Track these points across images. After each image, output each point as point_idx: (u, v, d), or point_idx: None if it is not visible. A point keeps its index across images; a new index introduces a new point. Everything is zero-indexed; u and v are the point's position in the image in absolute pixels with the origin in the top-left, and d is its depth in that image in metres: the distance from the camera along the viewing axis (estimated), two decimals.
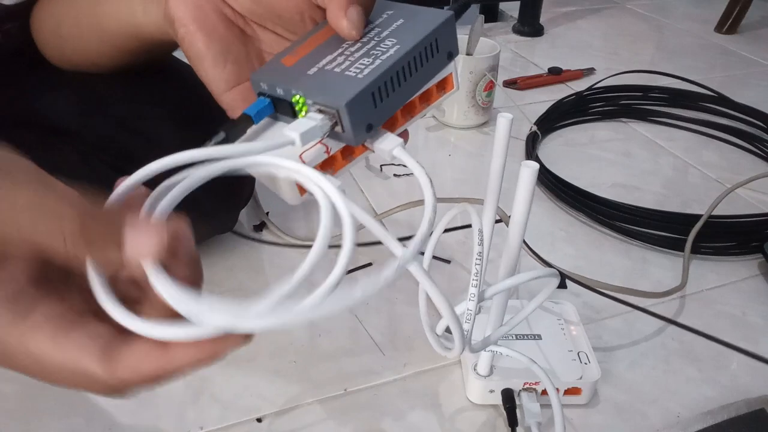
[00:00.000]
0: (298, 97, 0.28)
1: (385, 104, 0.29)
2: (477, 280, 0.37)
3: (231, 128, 0.29)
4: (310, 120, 0.28)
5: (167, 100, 0.53)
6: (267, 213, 0.65)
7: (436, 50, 0.29)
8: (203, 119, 0.49)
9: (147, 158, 0.55)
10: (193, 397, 0.46)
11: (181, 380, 0.47)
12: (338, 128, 0.28)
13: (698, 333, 0.51)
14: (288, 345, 0.51)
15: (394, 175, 0.74)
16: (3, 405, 0.45)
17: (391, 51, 0.28)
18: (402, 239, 0.63)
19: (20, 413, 0.45)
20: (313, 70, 0.29)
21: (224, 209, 0.58)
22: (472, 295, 0.38)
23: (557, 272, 0.38)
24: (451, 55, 0.31)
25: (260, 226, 0.64)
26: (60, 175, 0.53)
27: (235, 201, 0.58)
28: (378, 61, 0.28)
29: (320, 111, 0.28)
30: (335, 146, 0.29)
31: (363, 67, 0.28)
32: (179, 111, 0.52)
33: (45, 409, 0.45)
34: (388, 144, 0.30)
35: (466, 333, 0.41)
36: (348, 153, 0.30)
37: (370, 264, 0.60)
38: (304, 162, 0.28)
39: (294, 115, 0.29)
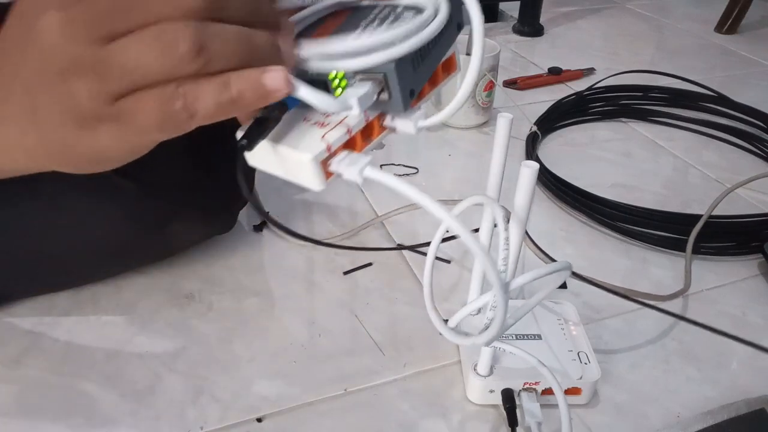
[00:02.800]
0: (335, 72, 0.28)
1: (421, 69, 0.29)
2: (505, 264, 0.37)
3: (266, 116, 0.28)
4: (361, 87, 0.28)
5: None
6: (267, 212, 0.65)
7: (450, 20, 0.30)
8: None
9: (146, 159, 0.55)
10: (193, 397, 0.46)
11: (181, 380, 0.47)
12: (384, 95, 0.29)
13: (706, 327, 0.51)
14: (288, 345, 0.51)
15: (394, 174, 0.74)
16: (3, 405, 0.45)
17: (416, 19, 0.29)
18: (405, 247, 0.63)
19: (20, 413, 0.45)
20: (357, 32, 0.29)
21: (224, 209, 0.58)
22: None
23: (570, 264, 0.38)
24: (460, 26, 0.31)
25: (261, 226, 0.64)
26: (59, 176, 0.53)
27: (235, 201, 0.58)
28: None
29: (362, 80, 0.28)
30: (355, 127, 0.29)
31: None
32: None
33: (45, 409, 0.45)
34: (411, 116, 0.30)
35: (489, 321, 0.41)
36: (366, 135, 0.30)
37: (370, 264, 0.60)
38: (327, 142, 0.28)
39: (328, 92, 0.29)
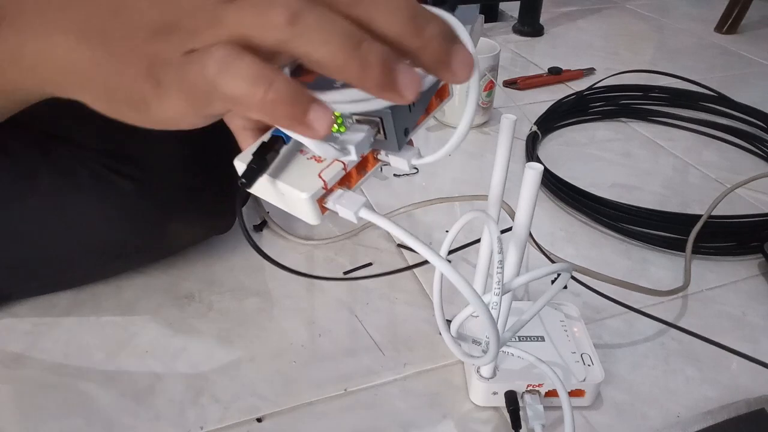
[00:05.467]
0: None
1: (416, 108, 0.30)
2: (499, 288, 0.38)
3: (265, 151, 0.29)
4: (357, 132, 0.28)
5: None
6: (268, 212, 0.65)
7: None
8: None
9: (145, 159, 0.55)
10: (193, 397, 0.46)
11: (181, 380, 0.47)
12: (379, 136, 0.29)
13: (697, 336, 0.51)
14: (288, 345, 0.51)
15: (394, 175, 0.74)
16: (3, 405, 0.45)
17: None
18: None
19: (20, 413, 0.45)
20: (340, 82, 0.29)
21: (223, 209, 0.58)
22: (495, 304, 0.38)
23: (571, 266, 0.38)
24: None
25: (261, 226, 0.64)
26: (58, 176, 0.53)
27: (234, 201, 0.58)
28: None
29: (358, 122, 0.28)
30: (350, 163, 0.30)
31: None
32: None
33: (45, 409, 0.45)
34: (405, 154, 0.30)
35: (487, 339, 0.42)
36: (361, 168, 0.31)
37: (370, 264, 0.60)
38: (324, 180, 0.29)
39: None
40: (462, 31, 0.27)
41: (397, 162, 0.31)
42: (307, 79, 0.30)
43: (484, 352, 0.39)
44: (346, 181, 0.30)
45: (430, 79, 0.27)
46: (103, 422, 0.44)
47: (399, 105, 0.28)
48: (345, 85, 0.28)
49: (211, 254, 0.60)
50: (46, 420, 0.44)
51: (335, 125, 0.29)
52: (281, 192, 0.30)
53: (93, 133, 0.49)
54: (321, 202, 0.29)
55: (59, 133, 0.49)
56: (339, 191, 0.30)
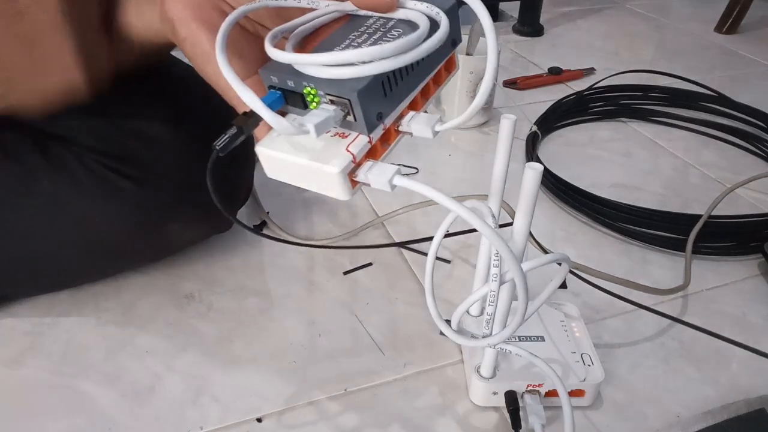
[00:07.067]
0: (309, 88, 0.28)
1: (395, 93, 0.29)
2: (498, 260, 0.37)
3: (243, 121, 0.29)
4: (323, 111, 0.28)
5: (165, 100, 0.52)
6: (267, 212, 0.65)
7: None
8: (202, 118, 0.49)
9: (145, 159, 0.55)
10: (193, 397, 0.46)
11: (181, 380, 0.47)
12: (350, 117, 0.29)
13: (703, 331, 0.51)
14: (288, 345, 0.51)
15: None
16: (3, 405, 0.45)
17: (395, 41, 0.29)
18: (405, 243, 0.63)
19: (20, 413, 0.45)
20: (342, 45, 0.29)
21: (223, 209, 0.58)
22: (495, 276, 0.38)
23: (568, 257, 0.38)
24: (455, 43, 0.31)
25: (260, 226, 0.64)
26: (57, 176, 0.53)
27: (233, 201, 0.58)
28: None
29: (332, 102, 0.29)
30: (375, 136, 0.30)
31: None
32: (177, 111, 0.52)
33: (45, 409, 0.45)
34: (426, 121, 0.30)
35: (489, 317, 0.42)
36: (384, 139, 0.31)
37: (370, 264, 0.60)
38: (352, 154, 0.29)
39: (305, 106, 0.29)
40: (484, 13, 0.27)
41: (420, 130, 0.31)
42: (311, 46, 0.30)
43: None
44: (371, 154, 0.30)
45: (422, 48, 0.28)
46: (103, 422, 0.44)
47: (370, 90, 0.28)
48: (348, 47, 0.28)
49: (211, 254, 0.60)
50: (46, 420, 0.44)
51: (314, 103, 0.29)
52: (308, 171, 0.29)
53: (92, 133, 0.49)
54: (351, 176, 0.29)
55: (58, 132, 0.49)
56: (368, 163, 0.30)
